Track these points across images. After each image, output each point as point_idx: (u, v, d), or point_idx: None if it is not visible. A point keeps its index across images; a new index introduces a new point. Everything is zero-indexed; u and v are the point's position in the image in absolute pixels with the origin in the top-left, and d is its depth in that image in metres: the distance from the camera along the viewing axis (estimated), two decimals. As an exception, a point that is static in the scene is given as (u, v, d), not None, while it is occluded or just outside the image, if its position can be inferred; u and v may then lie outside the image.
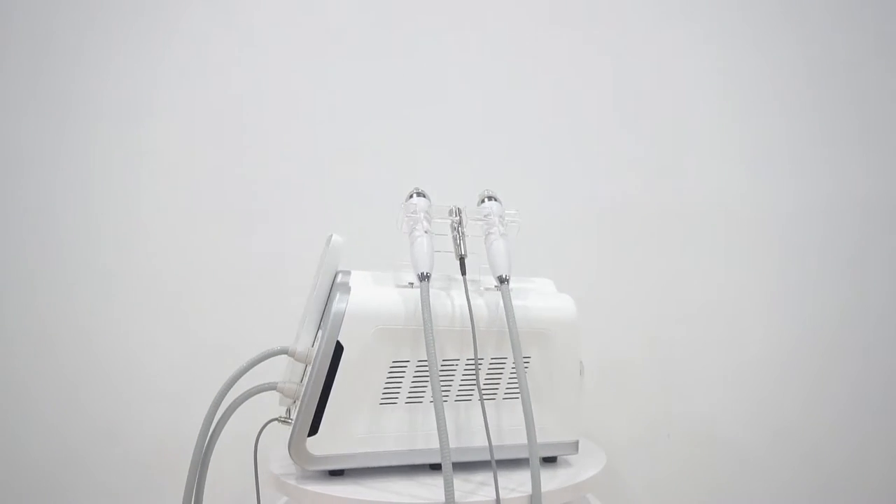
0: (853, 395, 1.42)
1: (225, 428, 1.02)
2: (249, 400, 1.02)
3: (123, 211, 1.43)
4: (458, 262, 1.00)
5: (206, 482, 1.04)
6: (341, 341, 0.96)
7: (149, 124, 1.43)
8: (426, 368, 0.98)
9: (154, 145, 1.43)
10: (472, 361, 0.99)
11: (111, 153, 1.42)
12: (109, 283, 1.42)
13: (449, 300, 0.99)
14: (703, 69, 1.46)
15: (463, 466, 0.99)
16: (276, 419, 1.01)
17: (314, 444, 0.95)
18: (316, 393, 0.95)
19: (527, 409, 0.92)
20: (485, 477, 0.97)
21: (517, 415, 1.00)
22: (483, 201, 1.06)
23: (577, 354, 1.04)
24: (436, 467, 1.00)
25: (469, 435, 0.99)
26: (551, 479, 1.00)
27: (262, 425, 1.02)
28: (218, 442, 1.03)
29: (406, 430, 0.97)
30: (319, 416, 0.95)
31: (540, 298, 1.04)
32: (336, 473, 0.98)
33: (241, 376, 1.00)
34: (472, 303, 0.99)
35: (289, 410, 1.05)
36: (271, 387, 1.01)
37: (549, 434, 1.02)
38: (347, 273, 1.06)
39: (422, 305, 0.94)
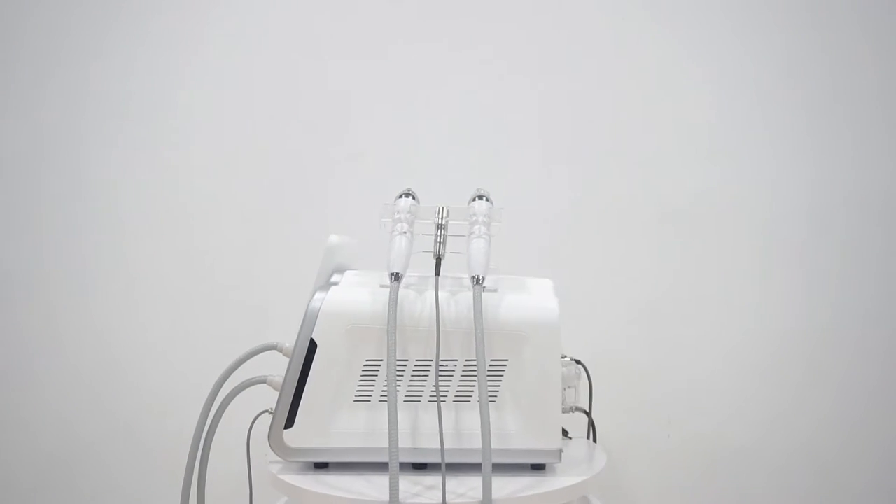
0: (845, 389, 1.44)
1: (225, 423, 1.08)
2: (252, 397, 1.07)
3: (143, 210, 1.48)
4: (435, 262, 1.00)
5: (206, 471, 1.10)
6: (315, 339, 0.98)
7: (152, 125, 1.48)
8: (401, 368, 0.98)
9: (157, 145, 1.47)
10: (445, 362, 0.98)
11: (130, 152, 1.47)
12: (126, 281, 1.48)
13: (423, 301, 0.99)
14: (700, 69, 1.48)
15: (437, 468, 0.96)
16: (266, 411, 1.06)
17: (291, 437, 0.98)
18: (291, 387, 0.99)
19: (483, 413, 0.90)
20: (456, 481, 0.95)
21: (492, 419, 0.98)
22: (472, 200, 1.04)
23: (557, 359, 0.99)
24: (419, 467, 1.00)
25: (445, 437, 0.98)
26: (552, 479, 0.98)
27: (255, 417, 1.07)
28: (215, 436, 1.09)
29: (381, 427, 0.98)
30: (295, 409, 0.99)
31: (519, 300, 1.00)
32: (321, 466, 1.01)
33: (234, 370, 1.06)
34: (448, 303, 0.98)
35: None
36: (262, 380, 1.06)
37: (528, 441, 0.98)
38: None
39: (388, 305, 0.94)
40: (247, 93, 1.50)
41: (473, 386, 0.99)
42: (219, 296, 1.49)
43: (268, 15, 1.50)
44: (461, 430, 0.98)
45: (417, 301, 0.99)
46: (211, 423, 1.08)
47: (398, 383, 0.98)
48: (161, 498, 1.42)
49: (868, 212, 1.45)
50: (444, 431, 0.96)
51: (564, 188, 1.49)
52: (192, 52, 1.49)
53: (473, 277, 0.97)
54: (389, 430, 0.89)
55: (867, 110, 1.46)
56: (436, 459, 0.96)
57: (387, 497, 0.88)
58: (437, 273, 0.99)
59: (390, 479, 0.87)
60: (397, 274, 0.97)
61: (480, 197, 1.04)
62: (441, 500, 0.89)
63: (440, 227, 1.02)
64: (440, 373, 0.98)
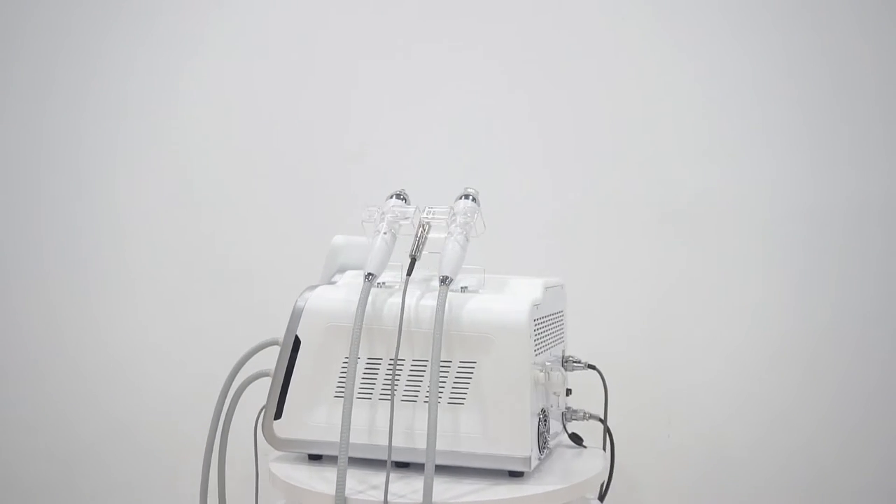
0: (845, 389, 1.42)
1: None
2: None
3: (143, 210, 1.49)
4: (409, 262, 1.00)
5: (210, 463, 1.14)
6: (299, 336, 1.03)
7: (149, 123, 1.50)
8: (376, 366, 1.00)
9: (157, 145, 1.49)
10: (418, 362, 0.98)
11: (132, 154, 1.48)
12: (126, 281, 1.49)
13: (396, 301, 0.99)
14: (700, 69, 1.46)
15: (413, 467, 0.99)
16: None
17: (279, 427, 1.03)
18: (278, 381, 1.04)
19: (431, 414, 0.89)
20: (412, 480, 0.96)
21: (461, 422, 0.97)
22: (458, 199, 1.03)
23: (526, 363, 0.96)
24: (402, 465, 1.00)
25: (413, 437, 0.98)
26: (551, 480, 0.97)
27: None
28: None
29: (358, 424, 1.00)
30: (283, 402, 1.03)
31: (488, 302, 0.98)
32: (315, 457, 1.05)
33: (244, 364, 1.12)
34: (418, 304, 0.98)
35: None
36: (266, 373, 1.12)
37: (497, 446, 0.96)
38: (342, 273, 1.12)
39: (358, 305, 0.96)
40: (247, 92, 1.51)
41: (443, 388, 0.98)
42: (219, 296, 1.49)
43: (268, 15, 1.51)
44: (430, 429, 0.98)
45: (388, 301, 1.00)
46: (226, 416, 1.15)
47: (373, 382, 1.00)
48: (161, 498, 1.45)
49: (868, 212, 1.43)
50: (414, 432, 0.97)
51: (564, 188, 1.50)
52: (192, 52, 1.50)
53: (441, 277, 0.97)
54: (342, 427, 0.91)
55: (867, 110, 1.44)
56: (414, 459, 0.97)
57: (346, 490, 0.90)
58: (409, 273, 0.99)
59: (338, 474, 0.89)
60: (370, 274, 0.99)
61: (466, 196, 1.03)
62: (383, 499, 0.90)
63: (422, 227, 1.02)
64: (412, 372, 0.99)
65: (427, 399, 0.96)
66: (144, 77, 1.48)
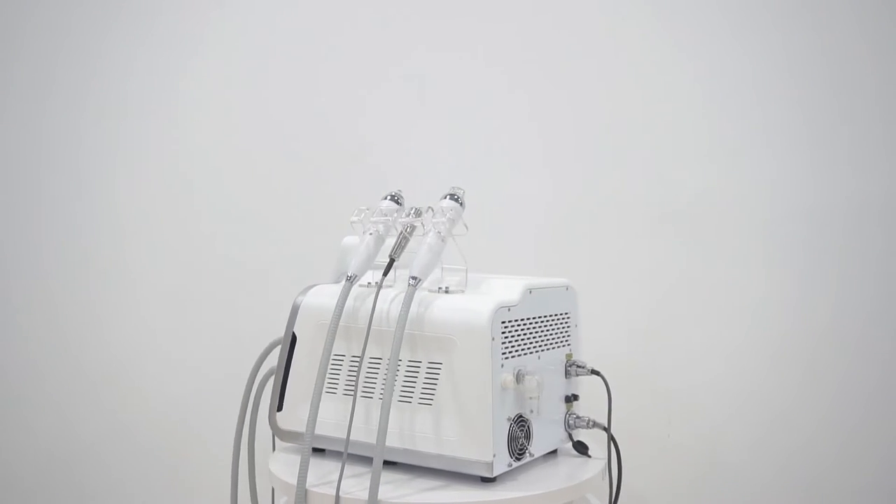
0: (846, 389, 1.41)
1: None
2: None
3: (143, 210, 1.48)
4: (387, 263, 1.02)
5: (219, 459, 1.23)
6: (296, 332, 1.08)
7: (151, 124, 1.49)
8: (354, 365, 1.02)
9: (157, 144, 1.48)
10: (395, 362, 0.98)
11: (132, 154, 1.48)
12: (126, 282, 1.48)
13: (383, 301, 1.01)
14: (700, 69, 1.45)
15: (404, 466, 1.00)
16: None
17: (281, 419, 1.09)
18: (279, 376, 1.10)
19: (383, 411, 0.90)
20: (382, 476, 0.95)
21: (429, 423, 0.96)
22: (443, 198, 1.02)
23: (487, 366, 0.93)
24: (389, 464, 1.02)
25: (389, 434, 0.98)
26: (552, 480, 0.97)
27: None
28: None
29: (343, 420, 1.03)
30: (283, 395, 1.09)
31: (455, 303, 0.96)
32: (318, 450, 1.09)
33: (264, 359, 1.19)
34: (394, 304, 0.99)
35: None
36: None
37: (461, 450, 0.94)
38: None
39: (336, 304, 0.99)
40: (248, 92, 1.51)
41: (413, 387, 0.98)
42: (219, 295, 1.49)
43: (268, 15, 1.51)
44: (402, 430, 0.99)
45: (367, 301, 1.01)
46: (252, 409, 1.22)
47: (353, 379, 1.02)
48: (161, 498, 1.45)
49: (868, 212, 1.42)
50: (389, 430, 0.98)
51: (565, 188, 1.50)
52: (192, 53, 1.50)
53: (410, 277, 0.97)
54: (308, 422, 0.94)
55: (867, 110, 1.42)
56: (392, 457, 0.99)
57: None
58: (385, 273, 1.00)
59: (300, 466, 0.93)
60: (351, 275, 1.01)
61: (449, 196, 1.02)
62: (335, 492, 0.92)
63: (406, 228, 1.03)
64: (386, 371, 0.99)
65: (401, 399, 0.98)
66: (144, 77, 1.48)
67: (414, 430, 0.98)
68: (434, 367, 0.97)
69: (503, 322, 0.95)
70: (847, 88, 1.43)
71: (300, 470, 0.93)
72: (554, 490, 0.94)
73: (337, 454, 1.04)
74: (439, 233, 1.00)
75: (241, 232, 1.50)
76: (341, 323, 1.01)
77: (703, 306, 1.47)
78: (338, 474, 0.93)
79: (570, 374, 1.08)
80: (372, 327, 1.00)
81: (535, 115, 1.49)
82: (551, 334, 1.05)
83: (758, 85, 1.45)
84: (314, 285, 1.11)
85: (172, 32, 1.49)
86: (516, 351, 0.98)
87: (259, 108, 1.50)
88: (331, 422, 1.04)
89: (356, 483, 0.95)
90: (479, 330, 0.93)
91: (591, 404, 1.11)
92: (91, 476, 1.44)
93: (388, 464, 1.02)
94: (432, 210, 1.01)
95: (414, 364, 0.98)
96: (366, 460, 1.01)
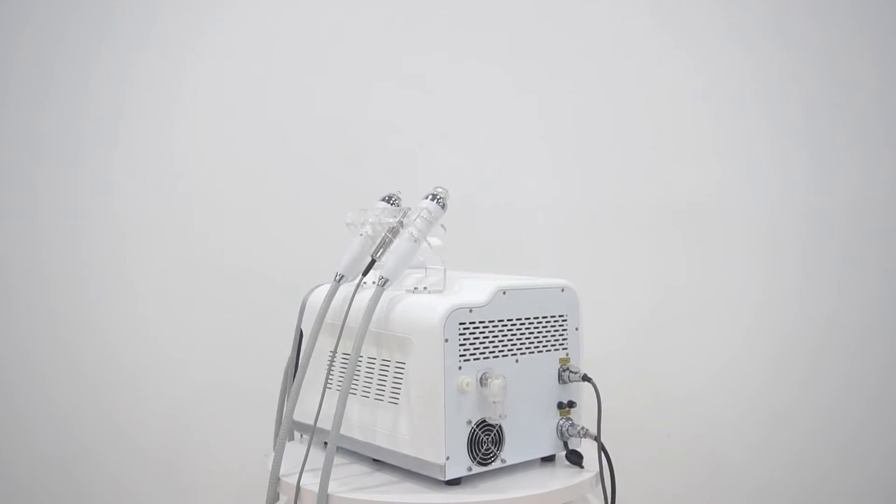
0: (847, 389, 1.43)
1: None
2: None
3: (143, 210, 1.45)
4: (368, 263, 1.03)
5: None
6: (302, 329, 1.13)
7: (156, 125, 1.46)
8: (347, 361, 1.04)
9: (160, 145, 1.46)
10: (372, 360, 1.02)
11: (131, 153, 1.45)
12: (126, 281, 1.45)
13: (369, 301, 1.02)
14: (701, 69, 1.47)
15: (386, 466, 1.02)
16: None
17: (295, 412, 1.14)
18: (290, 369, 1.15)
19: (339, 405, 0.93)
20: (356, 470, 1.02)
21: (395, 422, 0.97)
22: (424, 198, 1.02)
23: (440, 367, 0.91)
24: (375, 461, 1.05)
25: (365, 430, 1.01)
26: (552, 480, 0.98)
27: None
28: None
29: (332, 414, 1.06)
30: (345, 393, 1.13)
31: (417, 303, 0.96)
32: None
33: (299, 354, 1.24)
34: (372, 303, 1.00)
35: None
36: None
37: (415, 450, 0.95)
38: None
39: (322, 303, 1.02)
40: (248, 92, 1.49)
41: (384, 385, 1.00)
42: (219, 295, 1.48)
43: (269, 15, 1.48)
44: (376, 427, 1.00)
45: (357, 300, 1.03)
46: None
47: (342, 376, 1.05)
48: (161, 498, 1.44)
49: (868, 212, 1.44)
50: (361, 423, 1.02)
51: (566, 189, 1.50)
52: (192, 52, 1.47)
53: (379, 277, 0.98)
54: (285, 417, 0.99)
55: (868, 110, 1.44)
56: (364, 452, 1.02)
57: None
58: (365, 273, 1.02)
59: (274, 458, 0.98)
60: (338, 274, 1.04)
61: (430, 196, 1.02)
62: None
63: (389, 230, 1.04)
64: (369, 368, 1.02)
65: (377, 397, 1.01)
66: (144, 77, 1.46)
67: (384, 428, 0.99)
68: (400, 367, 0.97)
69: (462, 323, 0.93)
70: (848, 88, 1.43)
71: (274, 458, 0.99)
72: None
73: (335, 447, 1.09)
74: (412, 234, 1.00)
75: (241, 232, 1.49)
76: (330, 321, 1.05)
77: (705, 306, 1.47)
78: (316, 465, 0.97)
79: (563, 380, 1.03)
80: (354, 326, 1.03)
81: (537, 116, 1.48)
82: (537, 337, 1.01)
83: (759, 85, 1.45)
84: (321, 284, 1.15)
85: (172, 32, 1.47)
86: (482, 353, 0.96)
87: (259, 108, 1.49)
88: (328, 416, 1.08)
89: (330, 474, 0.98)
90: (432, 331, 0.92)
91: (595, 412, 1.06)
92: (90, 476, 1.43)
93: (376, 462, 1.05)
94: (419, 211, 1.02)
95: (385, 363, 1.00)
96: (353, 455, 1.05)
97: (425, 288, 1.02)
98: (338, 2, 1.48)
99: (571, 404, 1.04)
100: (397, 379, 0.98)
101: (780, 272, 1.45)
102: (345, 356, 1.06)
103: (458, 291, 0.99)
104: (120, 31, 1.44)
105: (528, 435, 1.00)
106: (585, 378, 1.02)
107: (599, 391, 1.01)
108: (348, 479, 0.99)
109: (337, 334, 1.02)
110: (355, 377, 1.04)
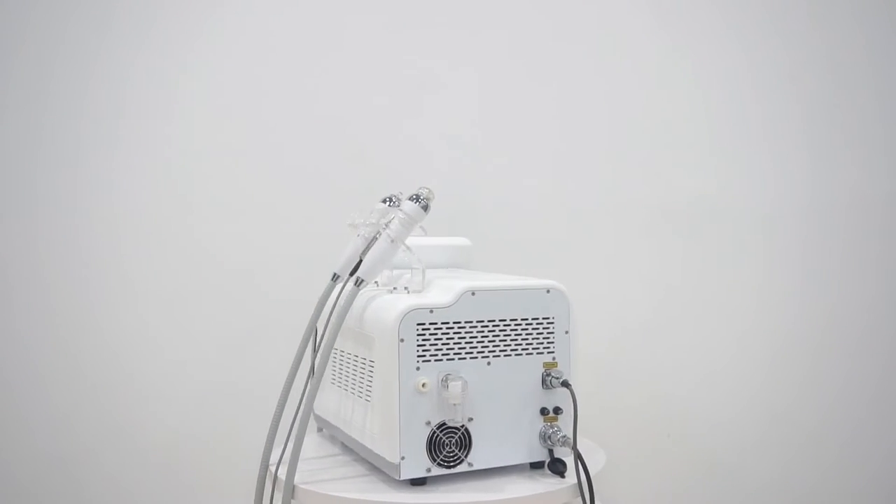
0: (846, 389, 1.46)
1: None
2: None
3: (142, 210, 1.44)
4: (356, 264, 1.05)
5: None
6: (317, 326, 1.17)
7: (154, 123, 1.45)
8: (345, 358, 1.09)
9: (160, 145, 1.44)
10: (355, 357, 1.04)
11: (131, 153, 1.44)
12: (126, 281, 1.45)
13: (361, 300, 1.05)
14: (700, 69, 1.49)
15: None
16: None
17: (316, 405, 1.19)
18: (314, 364, 1.19)
19: (306, 402, 0.96)
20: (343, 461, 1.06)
21: (361, 417, 1.00)
22: (408, 199, 1.02)
23: (394, 367, 0.91)
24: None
25: (348, 424, 1.05)
26: (551, 479, 0.98)
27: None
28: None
29: (338, 409, 1.09)
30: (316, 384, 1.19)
31: (381, 303, 0.96)
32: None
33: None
34: (357, 303, 1.03)
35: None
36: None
37: (378, 447, 0.96)
38: (392, 270, 1.19)
39: (317, 301, 1.06)
40: (248, 92, 1.48)
41: (363, 382, 1.02)
42: (219, 296, 1.47)
43: (269, 15, 1.47)
44: (353, 421, 1.02)
45: (356, 299, 1.05)
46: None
47: (341, 372, 1.09)
48: (161, 498, 1.44)
49: (868, 211, 1.47)
50: (345, 418, 1.05)
51: (564, 189, 1.49)
52: (192, 52, 1.47)
53: (356, 277, 0.99)
54: (275, 411, 1.04)
55: (867, 110, 1.47)
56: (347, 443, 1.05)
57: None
58: (352, 273, 1.04)
59: (265, 446, 1.03)
60: (335, 274, 1.07)
61: (412, 198, 1.01)
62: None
63: (377, 232, 1.05)
64: (357, 366, 1.04)
65: (360, 395, 1.03)
66: (144, 76, 1.46)
67: (357, 424, 1.02)
68: (371, 365, 0.99)
69: (421, 324, 0.93)
70: (847, 88, 1.45)
71: (265, 451, 1.05)
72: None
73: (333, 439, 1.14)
74: (388, 235, 1.01)
75: (241, 233, 1.48)
76: (335, 319, 1.09)
77: (704, 306, 1.48)
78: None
79: (547, 385, 0.99)
80: (356, 326, 1.06)
81: (537, 116, 1.48)
82: (515, 340, 0.98)
83: (757, 85, 1.46)
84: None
85: (172, 32, 1.47)
86: (446, 354, 0.94)
87: (259, 108, 1.48)
88: (332, 411, 1.13)
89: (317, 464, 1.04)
90: (388, 331, 0.93)
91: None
92: (90, 477, 1.43)
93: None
94: (398, 212, 1.03)
95: (362, 360, 1.02)
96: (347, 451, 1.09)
97: (405, 288, 1.03)
98: (338, 2, 1.47)
99: (557, 410, 1.00)
100: (369, 376, 0.99)
101: (780, 272, 1.46)
102: (343, 354, 1.10)
103: (427, 291, 0.99)
104: (120, 31, 1.43)
105: (504, 440, 0.97)
106: (565, 384, 0.97)
107: (577, 399, 0.96)
108: (327, 469, 1.03)
109: (345, 334, 1.06)
110: (343, 373, 1.08)
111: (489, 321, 0.97)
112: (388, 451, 0.94)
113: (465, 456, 0.95)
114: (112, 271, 1.44)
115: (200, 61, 1.45)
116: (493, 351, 0.97)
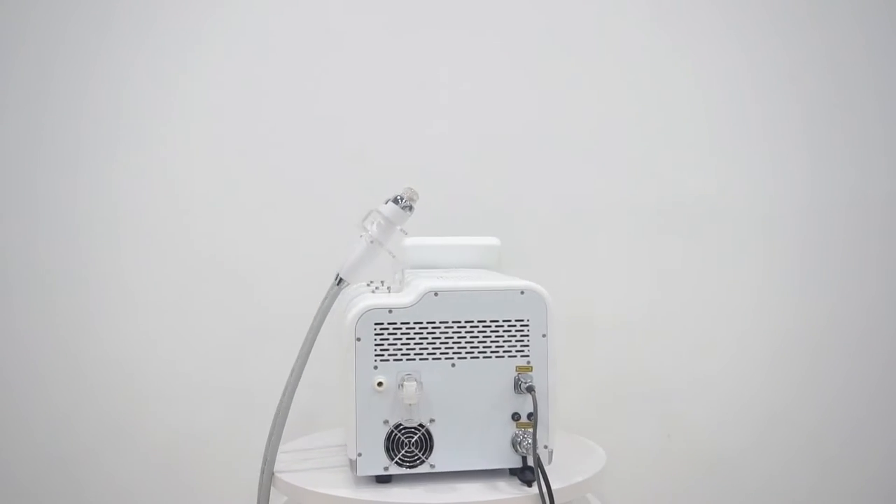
0: (846, 389, 1.46)
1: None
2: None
3: (142, 210, 1.44)
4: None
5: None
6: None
7: (159, 125, 1.44)
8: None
9: (159, 145, 1.43)
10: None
11: (131, 153, 1.43)
12: (125, 281, 1.44)
13: (356, 300, 1.05)
14: (699, 69, 1.48)
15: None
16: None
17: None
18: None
19: (285, 397, 0.98)
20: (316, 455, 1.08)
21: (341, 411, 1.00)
22: (391, 200, 1.02)
23: (351, 366, 0.92)
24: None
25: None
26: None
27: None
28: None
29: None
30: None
31: (352, 302, 0.96)
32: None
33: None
34: (349, 303, 1.04)
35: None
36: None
37: (348, 446, 0.96)
38: (411, 270, 1.21)
39: (321, 303, 1.09)
40: (248, 92, 1.46)
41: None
42: (219, 297, 1.46)
43: (269, 15, 1.45)
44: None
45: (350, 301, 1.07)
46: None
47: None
48: (161, 498, 1.44)
49: (868, 211, 1.46)
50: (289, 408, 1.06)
51: (563, 189, 1.48)
52: (191, 53, 1.46)
53: (337, 277, 1.01)
54: (278, 410, 1.08)
55: (866, 110, 1.47)
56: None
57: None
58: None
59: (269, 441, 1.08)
60: (339, 277, 1.08)
61: (397, 199, 1.01)
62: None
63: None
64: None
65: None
66: (143, 77, 1.45)
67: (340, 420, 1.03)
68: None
69: (379, 324, 0.93)
70: (847, 88, 1.45)
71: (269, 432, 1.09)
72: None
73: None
74: (369, 236, 1.01)
75: (241, 232, 1.47)
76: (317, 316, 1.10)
77: (704, 306, 1.47)
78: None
79: (519, 389, 0.95)
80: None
81: (536, 116, 1.47)
82: (484, 342, 0.95)
83: (757, 85, 1.46)
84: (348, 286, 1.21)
85: (171, 33, 1.47)
86: (406, 355, 0.94)
87: (259, 108, 1.47)
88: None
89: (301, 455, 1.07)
90: (346, 330, 0.95)
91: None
92: (90, 477, 1.44)
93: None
94: (383, 213, 1.03)
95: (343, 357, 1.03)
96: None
97: (388, 288, 1.04)
98: (338, 2, 1.46)
99: (529, 416, 0.95)
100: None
101: (779, 272, 1.46)
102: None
103: (397, 291, 0.98)
104: (120, 31, 1.43)
105: (471, 444, 0.95)
106: (529, 389, 0.93)
107: (538, 407, 0.92)
108: (311, 460, 1.06)
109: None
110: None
111: (454, 322, 0.95)
112: (348, 447, 0.96)
113: (426, 457, 0.95)
114: (112, 272, 1.44)
115: (200, 61, 1.45)
116: (459, 353, 0.95)
